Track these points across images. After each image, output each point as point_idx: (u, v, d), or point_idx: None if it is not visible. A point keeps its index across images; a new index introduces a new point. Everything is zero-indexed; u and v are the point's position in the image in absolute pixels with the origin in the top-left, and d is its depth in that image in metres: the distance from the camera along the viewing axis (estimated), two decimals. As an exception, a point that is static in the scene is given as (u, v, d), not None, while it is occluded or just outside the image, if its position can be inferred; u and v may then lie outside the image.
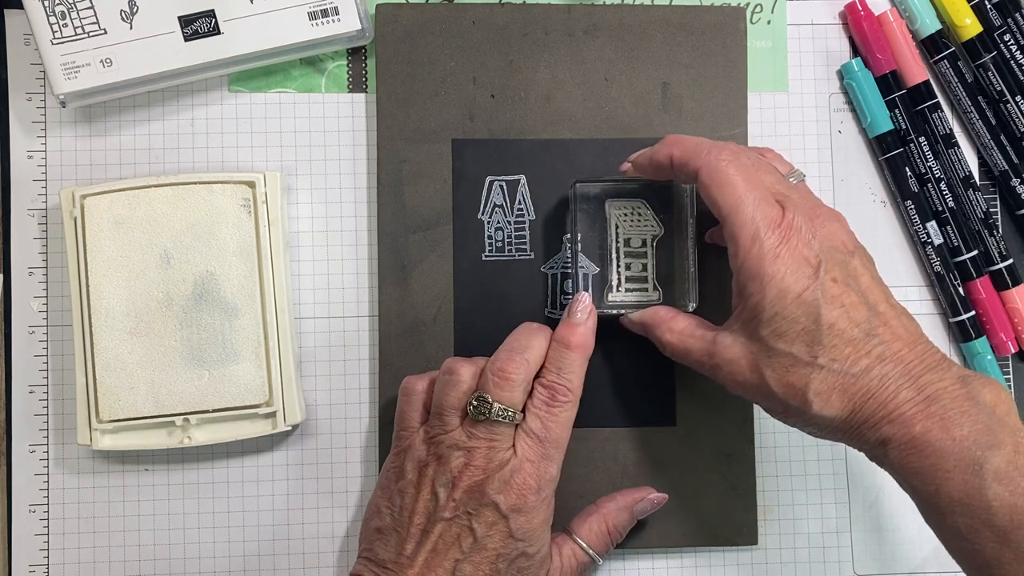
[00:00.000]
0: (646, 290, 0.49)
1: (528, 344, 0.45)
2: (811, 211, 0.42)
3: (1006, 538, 0.37)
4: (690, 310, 0.48)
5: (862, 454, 0.42)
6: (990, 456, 0.37)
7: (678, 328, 0.45)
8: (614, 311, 0.49)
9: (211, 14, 0.48)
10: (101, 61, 0.48)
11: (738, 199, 0.41)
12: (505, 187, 0.51)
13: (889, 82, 0.53)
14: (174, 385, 0.48)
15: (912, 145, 0.53)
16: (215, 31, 0.48)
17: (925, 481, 0.39)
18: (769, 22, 0.54)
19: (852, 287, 0.41)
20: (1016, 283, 0.53)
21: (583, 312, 0.46)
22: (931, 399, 0.39)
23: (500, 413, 0.43)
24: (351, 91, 0.52)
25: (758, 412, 0.52)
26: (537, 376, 0.45)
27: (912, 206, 0.53)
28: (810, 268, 0.40)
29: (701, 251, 0.49)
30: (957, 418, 0.38)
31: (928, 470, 0.38)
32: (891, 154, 0.53)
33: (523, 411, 0.44)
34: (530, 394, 0.45)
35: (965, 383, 0.39)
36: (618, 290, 0.49)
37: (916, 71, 0.53)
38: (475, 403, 0.43)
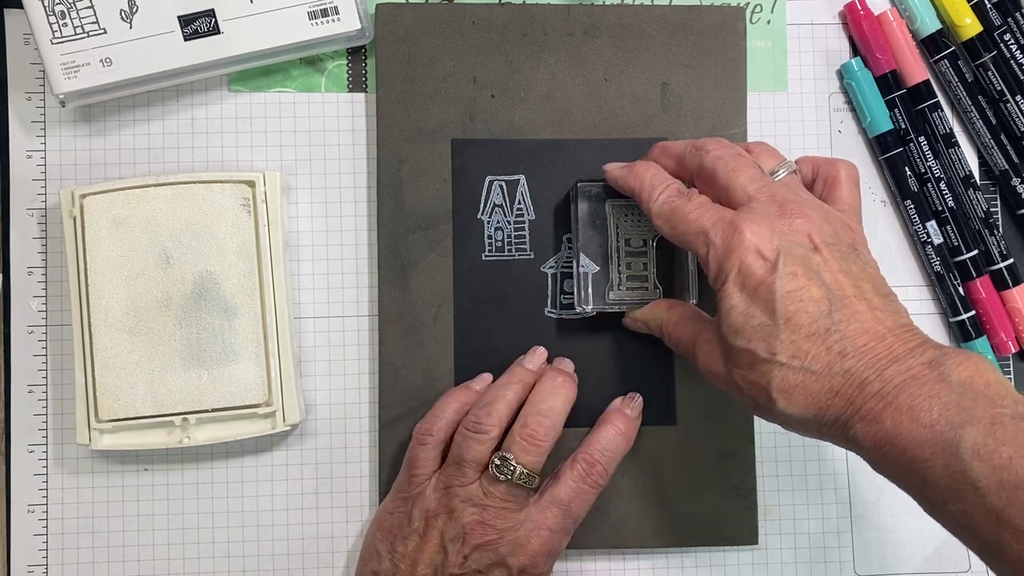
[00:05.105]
0: (647, 288, 0.49)
1: (553, 406, 0.46)
2: (781, 205, 0.40)
3: (1000, 518, 0.34)
4: (691, 307, 0.48)
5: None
6: (964, 434, 0.35)
7: (673, 318, 0.46)
8: (615, 308, 0.49)
9: (211, 14, 0.48)
10: (101, 61, 0.48)
11: (687, 224, 0.41)
12: (505, 187, 0.51)
13: (889, 82, 0.53)
14: (173, 385, 0.48)
15: (912, 145, 0.53)
16: (215, 31, 0.48)
17: (912, 475, 0.36)
18: (769, 22, 0.54)
19: (815, 281, 0.38)
20: (1016, 283, 0.53)
21: (634, 410, 0.49)
22: (899, 389, 0.36)
23: (522, 477, 0.44)
24: (351, 91, 0.52)
25: (758, 412, 0.52)
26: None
27: (912, 206, 0.53)
28: (766, 262, 0.39)
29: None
30: (924, 403, 0.36)
31: (909, 464, 0.36)
32: (891, 154, 0.53)
33: (539, 474, 0.45)
34: (565, 457, 0.46)
35: (936, 365, 0.37)
36: (619, 288, 0.49)
37: (916, 71, 0.53)
38: (498, 462, 0.44)
